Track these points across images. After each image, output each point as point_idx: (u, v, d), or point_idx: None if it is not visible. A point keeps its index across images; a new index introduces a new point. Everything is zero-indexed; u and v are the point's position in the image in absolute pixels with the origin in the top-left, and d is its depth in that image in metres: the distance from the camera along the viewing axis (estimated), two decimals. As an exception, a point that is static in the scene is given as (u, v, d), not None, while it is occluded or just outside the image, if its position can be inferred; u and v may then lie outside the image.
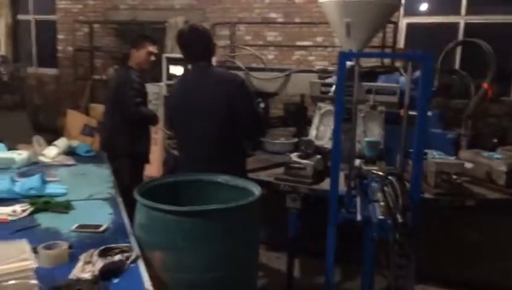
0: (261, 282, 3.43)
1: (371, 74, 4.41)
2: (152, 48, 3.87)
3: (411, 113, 4.63)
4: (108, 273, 1.66)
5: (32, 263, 1.40)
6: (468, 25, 6.58)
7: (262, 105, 4.84)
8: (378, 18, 4.32)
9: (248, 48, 5.88)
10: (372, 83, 3.96)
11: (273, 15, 7.68)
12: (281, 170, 3.26)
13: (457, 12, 6.66)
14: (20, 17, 10.38)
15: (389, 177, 2.35)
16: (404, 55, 3.49)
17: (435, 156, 3.07)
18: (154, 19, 8.47)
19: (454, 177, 2.88)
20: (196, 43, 2.79)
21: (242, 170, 2.82)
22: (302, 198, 3.05)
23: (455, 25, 6.63)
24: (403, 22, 6.94)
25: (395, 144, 3.58)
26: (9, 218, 2.19)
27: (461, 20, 6.61)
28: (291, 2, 7.41)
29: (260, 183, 3.18)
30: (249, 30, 7.88)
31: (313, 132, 3.59)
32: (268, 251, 3.82)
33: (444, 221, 3.64)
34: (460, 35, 6.52)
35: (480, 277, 3.56)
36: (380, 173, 2.39)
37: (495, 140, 4.15)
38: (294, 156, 3.24)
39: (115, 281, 1.65)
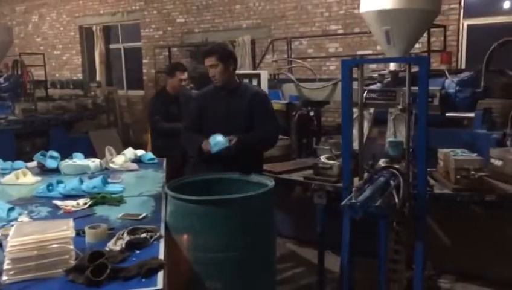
0: (295, 274, 3.75)
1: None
2: (182, 76, 4.66)
3: (456, 115, 4.68)
4: (133, 246, 2.12)
5: (70, 233, 1.88)
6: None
7: (311, 113, 5.14)
8: (417, 25, 4.42)
9: (299, 60, 6.22)
10: (413, 87, 4.12)
11: (333, 27, 7.94)
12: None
13: (521, 10, 6.46)
14: (112, 46, 11.72)
15: (395, 172, 2.58)
16: (402, 59, 3.61)
17: (457, 154, 3.17)
18: (224, 39, 9.12)
19: (473, 173, 2.97)
20: None
21: None
22: (329, 196, 3.31)
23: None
24: (464, 24, 6.84)
25: (436, 145, 3.73)
26: (73, 209, 2.75)
27: (526, 18, 6.38)
28: (350, 14, 7.62)
29: (292, 182, 3.55)
30: (311, 43, 8.21)
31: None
32: (305, 247, 4.12)
33: (483, 220, 3.66)
34: (526, 34, 6.27)
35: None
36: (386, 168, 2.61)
37: (545, 139, 4.04)
38: (323, 158, 3.52)
39: (138, 252, 2.10)
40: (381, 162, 2.94)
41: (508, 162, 3.24)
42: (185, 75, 4.67)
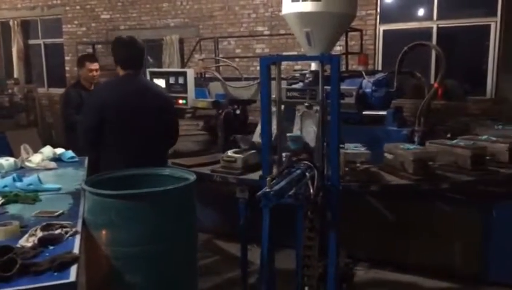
0: (220, 268, 3.82)
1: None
2: (91, 66, 4.64)
3: (371, 113, 4.96)
4: (46, 242, 2.06)
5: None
6: (440, 29, 6.90)
7: (238, 111, 5.26)
8: (335, 27, 4.66)
9: (226, 60, 6.30)
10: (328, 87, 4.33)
11: (259, 28, 8.12)
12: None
13: (430, 18, 7.00)
14: (31, 41, 11.12)
15: (311, 165, 2.72)
16: (315, 57, 3.82)
17: (349, 148, 3.40)
18: (151, 37, 9.03)
19: (358, 165, 3.21)
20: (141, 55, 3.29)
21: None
22: (253, 190, 3.41)
23: (429, 30, 6.96)
24: (380, 29, 7.29)
25: (353, 141, 3.94)
26: (-19, 208, 2.62)
27: (433, 25, 6.93)
28: (276, 16, 7.83)
29: (201, 175, 3.62)
30: (239, 43, 8.33)
31: (257, 131, 3.97)
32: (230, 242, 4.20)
33: (394, 210, 3.95)
34: (434, 39, 6.83)
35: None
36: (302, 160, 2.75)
37: (448, 135, 4.43)
38: (230, 152, 3.67)
39: (51, 248, 2.05)
40: (284, 155, 3.09)
41: (396, 155, 3.53)
42: (95, 66, 4.68)
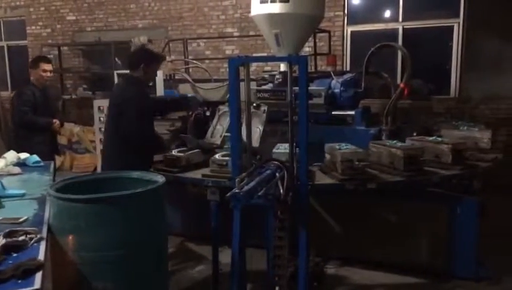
0: (192, 271, 3.79)
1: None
2: (46, 66, 4.74)
3: (340, 113, 5.01)
4: (10, 249, 2.01)
5: None
6: (406, 30, 7.07)
7: (207, 113, 5.23)
8: (304, 28, 4.73)
9: (194, 61, 6.27)
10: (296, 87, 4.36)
11: (229, 30, 8.11)
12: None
13: (396, 19, 7.16)
14: (-7, 43, 10.79)
15: (281, 165, 2.73)
16: (283, 58, 3.86)
17: (279, 148, 3.45)
18: (118, 38, 8.87)
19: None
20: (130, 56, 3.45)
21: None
22: (224, 192, 3.39)
23: (395, 31, 7.11)
24: (348, 30, 7.41)
25: (323, 141, 3.97)
26: None
27: (399, 26, 7.10)
28: (245, 17, 7.84)
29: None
30: (209, 45, 8.30)
31: (209, 130, 3.98)
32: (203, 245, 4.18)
33: (360, 209, 4.00)
34: (400, 40, 6.99)
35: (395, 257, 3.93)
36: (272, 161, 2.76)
37: (414, 133, 4.52)
38: (174, 151, 3.71)
39: (15, 255, 1.99)
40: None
41: (332, 156, 3.58)
42: (49, 66, 4.81)
